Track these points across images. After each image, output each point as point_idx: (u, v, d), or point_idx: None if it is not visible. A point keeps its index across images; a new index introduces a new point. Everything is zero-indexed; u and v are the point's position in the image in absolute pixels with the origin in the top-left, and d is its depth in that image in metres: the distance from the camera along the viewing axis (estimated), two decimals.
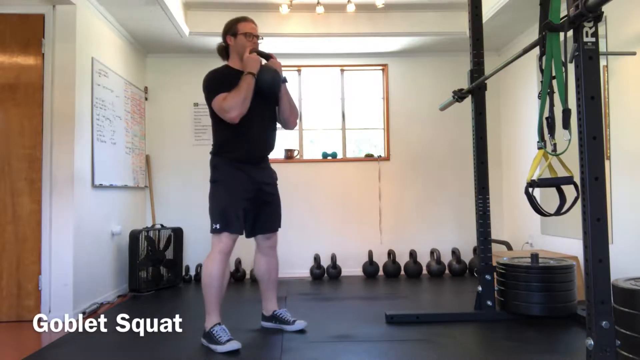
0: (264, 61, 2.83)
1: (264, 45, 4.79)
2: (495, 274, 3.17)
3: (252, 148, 2.79)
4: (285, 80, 2.89)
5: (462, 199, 5.12)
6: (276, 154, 4.64)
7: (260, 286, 3.03)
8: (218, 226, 2.65)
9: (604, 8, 1.84)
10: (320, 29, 4.63)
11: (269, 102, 2.87)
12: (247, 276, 4.87)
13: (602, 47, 3.22)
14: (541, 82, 2.22)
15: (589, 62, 1.92)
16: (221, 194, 2.71)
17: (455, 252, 4.87)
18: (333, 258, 4.85)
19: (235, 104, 2.62)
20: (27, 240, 3.33)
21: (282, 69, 2.89)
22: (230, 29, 2.84)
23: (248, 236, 2.95)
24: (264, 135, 2.85)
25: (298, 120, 5.15)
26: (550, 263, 3.08)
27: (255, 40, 2.84)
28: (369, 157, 5.15)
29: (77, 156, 3.42)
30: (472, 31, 3.25)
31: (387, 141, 5.19)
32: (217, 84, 2.71)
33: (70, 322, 3.25)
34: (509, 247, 4.67)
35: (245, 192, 2.73)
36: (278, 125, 2.99)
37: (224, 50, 2.90)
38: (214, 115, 2.77)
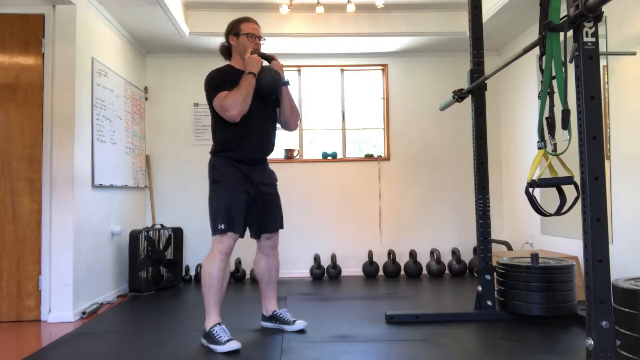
0: (265, 63, 2.83)
1: (266, 46, 4.81)
2: (495, 274, 3.17)
3: (252, 149, 2.79)
4: (287, 83, 2.89)
5: (462, 199, 5.12)
6: (276, 154, 4.65)
7: (260, 286, 3.03)
8: (223, 226, 2.65)
9: (604, 8, 1.85)
10: (320, 29, 4.63)
11: (270, 104, 2.88)
12: (247, 276, 4.87)
13: (602, 47, 3.23)
14: (541, 82, 2.22)
15: (589, 62, 1.92)
16: (223, 195, 2.71)
17: (455, 252, 4.88)
18: (333, 258, 4.85)
19: (236, 102, 2.62)
20: (27, 240, 3.33)
21: (284, 70, 2.89)
22: (233, 29, 2.85)
23: (252, 236, 2.95)
24: (264, 136, 2.85)
25: (298, 122, 5.17)
26: (550, 263, 3.08)
27: (257, 41, 2.85)
28: (369, 157, 5.15)
29: (77, 156, 3.42)
30: (472, 31, 3.25)
31: (387, 141, 5.19)
32: (218, 82, 2.72)
33: (70, 323, 3.26)
34: (509, 247, 4.67)
35: (246, 194, 2.74)
36: (278, 126, 2.99)
37: (226, 50, 2.91)
38: (214, 114, 2.77)
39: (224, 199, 2.70)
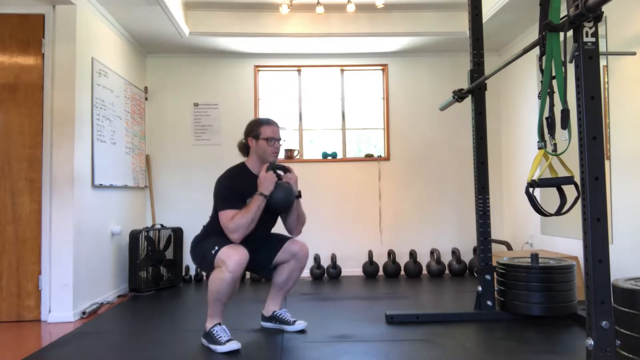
0: (278, 169, 2.82)
1: (264, 47, 4.81)
2: (495, 274, 3.17)
3: (245, 247, 2.75)
4: (299, 196, 2.87)
5: (462, 199, 5.12)
6: None
7: (271, 289, 3.01)
8: (217, 247, 2.59)
9: (604, 8, 1.85)
10: (320, 29, 4.63)
11: (274, 216, 2.88)
12: (247, 276, 4.87)
13: (602, 47, 3.22)
14: (541, 82, 2.22)
15: (589, 62, 1.92)
16: (209, 240, 2.68)
17: (455, 252, 4.88)
18: (333, 258, 4.85)
19: (240, 227, 2.59)
20: (27, 240, 3.33)
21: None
22: (252, 131, 2.81)
23: (267, 274, 2.95)
24: (258, 245, 2.82)
25: (298, 122, 5.17)
26: (550, 263, 3.08)
27: (277, 144, 2.81)
28: (369, 157, 5.15)
29: (77, 156, 3.42)
30: (472, 31, 3.24)
31: (387, 141, 5.19)
32: (229, 197, 2.67)
33: (70, 323, 3.26)
34: (509, 247, 4.67)
35: None
36: None
37: (244, 148, 2.87)
38: (216, 212, 2.71)
39: (211, 240, 2.67)
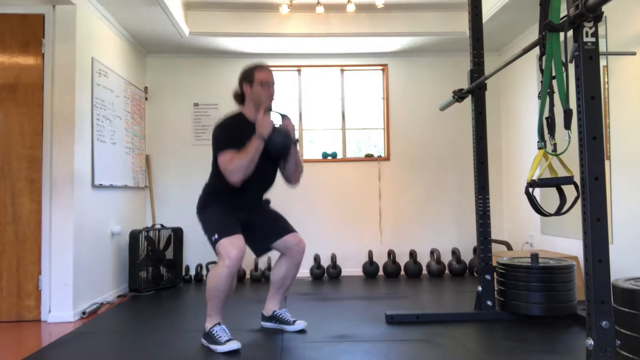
0: (275, 114, 2.82)
1: (264, 47, 4.81)
2: (495, 274, 3.17)
3: (245, 203, 2.80)
4: (296, 142, 2.87)
5: (462, 199, 5.12)
6: None
7: (270, 288, 3.01)
8: (216, 235, 2.61)
9: (604, 8, 1.85)
10: (320, 29, 4.63)
11: (273, 161, 2.88)
12: (247, 276, 4.87)
13: (602, 47, 3.23)
14: (541, 82, 2.22)
15: (589, 62, 1.92)
16: (211, 216, 2.71)
17: (455, 252, 4.88)
18: (333, 258, 4.85)
19: (239, 168, 2.60)
20: (27, 240, 3.33)
21: (294, 129, 2.87)
22: (246, 77, 2.80)
23: (260, 253, 2.95)
24: (261, 191, 2.86)
25: (298, 122, 5.17)
26: (550, 263, 3.08)
27: (271, 89, 2.81)
28: (369, 157, 5.15)
29: (77, 156, 3.42)
30: (472, 31, 3.24)
31: (387, 141, 5.19)
32: (226, 138, 2.68)
33: (70, 323, 3.26)
34: (509, 247, 4.67)
35: (236, 217, 2.74)
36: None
37: (239, 97, 2.87)
38: (215, 162, 2.74)
39: (213, 218, 2.70)
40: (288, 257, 2.91)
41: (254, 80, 2.77)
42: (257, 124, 2.68)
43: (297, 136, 2.89)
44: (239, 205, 2.77)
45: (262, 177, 2.80)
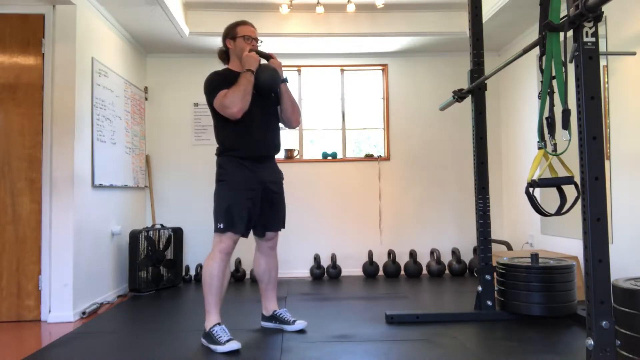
0: (264, 61, 2.84)
1: (266, 46, 4.80)
2: (495, 274, 3.17)
3: (256, 146, 2.79)
4: (285, 80, 2.90)
5: (462, 199, 5.12)
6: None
7: (260, 286, 3.03)
8: (222, 225, 2.66)
9: (604, 8, 1.85)
10: (320, 29, 4.63)
11: (271, 102, 2.89)
12: (247, 276, 4.87)
13: (602, 47, 3.23)
14: (541, 82, 2.22)
15: (589, 62, 1.92)
16: (226, 193, 2.72)
17: (455, 252, 4.88)
18: (333, 258, 4.85)
19: (235, 99, 2.63)
20: (27, 240, 3.33)
21: (283, 68, 2.91)
22: (230, 33, 2.87)
23: (256, 235, 2.96)
24: (266, 134, 2.85)
25: (300, 118, 5.17)
26: (550, 263, 3.08)
27: (254, 42, 2.86)
28: (369, 157, 5.15)
29: (77, 156, 3.42)
30: (472, 31, 3.24)
31: (387, 141, 5.19)
32: (217, 83, 2.74)
33: (70, 323, 3.26)
34: (509, 247, 4.67)
35: (250, 192, 2.74)
36: (281, 125, 2.99)
37: (224, 54, 2.92)
38: (216, 115, 2.78)
39: (226, 198, 2.71)
40: (262, 250, 2.98)
41: (237, 35, 2.83)
42: (243, 60, 2.75)
43: (285, 76, 2.92)
44: (252, 152, 2.77)
45: (263, 116, 2.82)
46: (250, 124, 2.74)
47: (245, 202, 2.71)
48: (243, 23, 2.88)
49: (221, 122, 2.76)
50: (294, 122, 2.96)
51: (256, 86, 2.72)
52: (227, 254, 2.69)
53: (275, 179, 2.91)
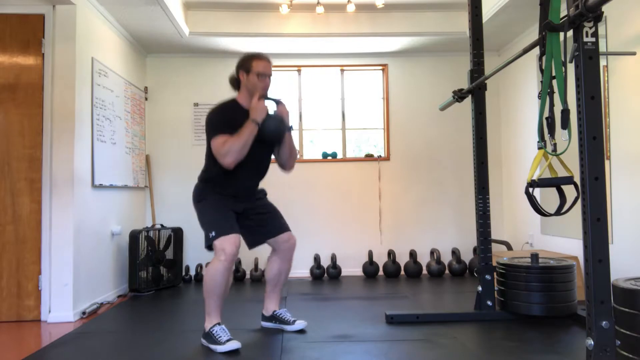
0: (270, 100, 2.82)
1: (265, 46, 4.81)
2: (495, 274, 3.17)
3: (240, 190, 2.80)
4: (290, 129, 2.87)
5: (462, 199, 5.12)
6: None
7: (266, 287, 3.02)
8: (214, 233, 2.62)
9: (604, 8, 1.85)
10: (320, 29, 4.63)
11: (268, 147, 2.87)
12: (247, 276, 4.87)
13: (602, 47, 3.23)
14: (541, 82, 2.22)
15: (589, 62, 1.92)
16: (209, 210, 2.72)
17: (455, 252, 4.88)
18: (333, 258, 4.85)
19: (232, 150, 2.59)
20: (27, 240, 3.33)
21: (288, 116, 2.88)
22: (244, 65, 2.79)
23: (253, 246, 2.95)
24: (254, 179, 2.86)
25: (298, 122, 5.17)
26: (550, 263, 3.08)
27: (267, 80, 2.79)
28: (369, 157, 5.15)
29: (77, 156, 3.42)
30: (472, 31, 3.24)
31: (387, 141, 5.19)
32: (220, 122, 2.68)
33: (70, 323, 3.26)
34: (509, 247, 4.67)
35: (233, 212, 2.75)
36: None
37: (235, 82, 2.86)
38: (209, 149, 2.74)
39: (211, 212, 2.70)
40: (280, 253, 2.94)
41: (251, 70, 2.76)
42: (252, 109, 2.69)
43: (291, 123, 2.89)
44: (234, 193, 2.77)
45: (256, 164, 2.80)
46: (240, 170, 2.70)
47: (231, 212, 2.71)
48: (258, 57, 2.78)
49: (213, 156, 2.71)
50: (288, 168, 2.95)
51: (259, 135, 2.67)
52: (229, 260, 2.59)
53: (258, 200, 2.92)
